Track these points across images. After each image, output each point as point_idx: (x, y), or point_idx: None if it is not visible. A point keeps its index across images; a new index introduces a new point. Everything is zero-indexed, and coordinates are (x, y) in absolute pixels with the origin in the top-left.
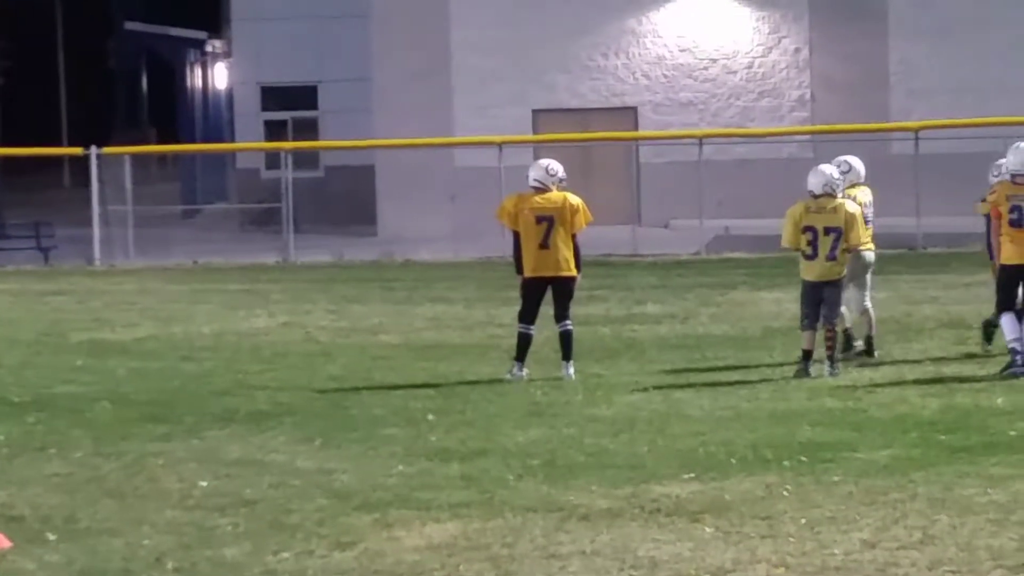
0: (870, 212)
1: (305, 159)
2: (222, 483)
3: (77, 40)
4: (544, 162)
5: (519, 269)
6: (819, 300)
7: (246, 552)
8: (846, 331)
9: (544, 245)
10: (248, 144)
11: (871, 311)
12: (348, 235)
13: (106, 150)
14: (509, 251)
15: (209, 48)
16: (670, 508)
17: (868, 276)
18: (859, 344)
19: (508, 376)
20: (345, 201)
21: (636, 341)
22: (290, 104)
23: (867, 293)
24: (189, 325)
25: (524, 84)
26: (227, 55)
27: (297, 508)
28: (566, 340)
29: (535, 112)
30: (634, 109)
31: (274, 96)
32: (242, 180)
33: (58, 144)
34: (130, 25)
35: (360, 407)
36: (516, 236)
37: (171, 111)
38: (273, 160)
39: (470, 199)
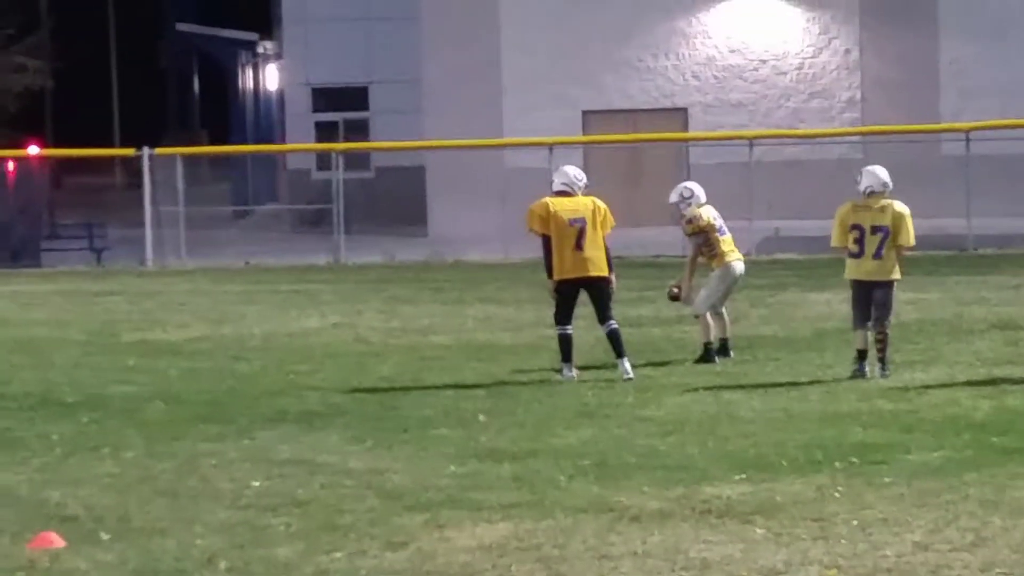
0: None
1: (356, 160)
2: (274, 483)
3: (129, 42)
4: (570, 168)
5: (550, 273)
6: (868, 300)
7: (298, 552)
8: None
9: (578, 247)
10: (299, 145)
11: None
12: (398, 236)
13: (158, 151)
14: None
15: (260, 49)
16: (721, 509)
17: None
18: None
19: (560, 377)
20: (395, 202)
21: (687, 342)
22: (341, 105)
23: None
24: (240, 326)
25: (573, 85)
26: (278, 56)
27: (349, 508)
28: (616, 338)
29: (585, 113)
30: (684, 110)
31: (325, 97)
32: (293, 181)
33: (110, 145)
34: (182, 27)
35: (411, 408)
36: (546, 241)
37: (222, 112)
38: (324, 161)
39: (519, 200)
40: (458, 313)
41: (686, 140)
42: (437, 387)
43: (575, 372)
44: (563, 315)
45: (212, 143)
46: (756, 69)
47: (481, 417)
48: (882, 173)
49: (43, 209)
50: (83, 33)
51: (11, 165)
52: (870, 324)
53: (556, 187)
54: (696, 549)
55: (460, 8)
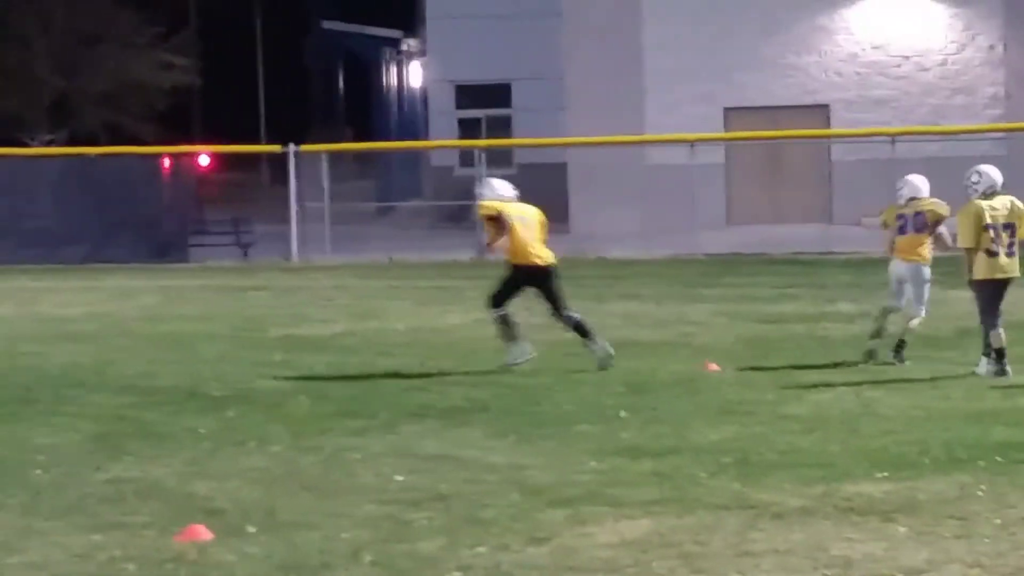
0: None
1: (498, 157)
2: (417, 478)
3: (274, 39)
4: (497, 181)
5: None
6: (1001, 298)
7: (441, 546)
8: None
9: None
10: (442, 142)
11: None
12: None
13: (303, 148)
14: (701, 248)
15: (404, 47)
16: (863, 507)
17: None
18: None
19: (509, 361)
20: (537, 198)
21: (828, 339)
22: (484, 102)
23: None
24: (384, 321)
25: (715, 82)
26: (422, 54)
27: (491, 503)
28: (580, 328)
29: (726, 110)
30: (826, 107)
31: (468, 94)
32: (436, 177)
33: (256, 142)
34: (327, 24)
35: (552, 403)
36: (502, 224)
37: (366, 109)
38: (467, 158)
39: (661, 196)
40: (599, 309)
41: (828, 137)
42: (578, 383)
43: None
44: (504, 296)
45: (356, 140)
46: (899, 66)
47: (622, 413)
48: (996, 172)
49: (192, 205)
50: (230, 31)
51: (167, 162)
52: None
53: (507, 196)
54: (838, 547)
55: (602, 5)
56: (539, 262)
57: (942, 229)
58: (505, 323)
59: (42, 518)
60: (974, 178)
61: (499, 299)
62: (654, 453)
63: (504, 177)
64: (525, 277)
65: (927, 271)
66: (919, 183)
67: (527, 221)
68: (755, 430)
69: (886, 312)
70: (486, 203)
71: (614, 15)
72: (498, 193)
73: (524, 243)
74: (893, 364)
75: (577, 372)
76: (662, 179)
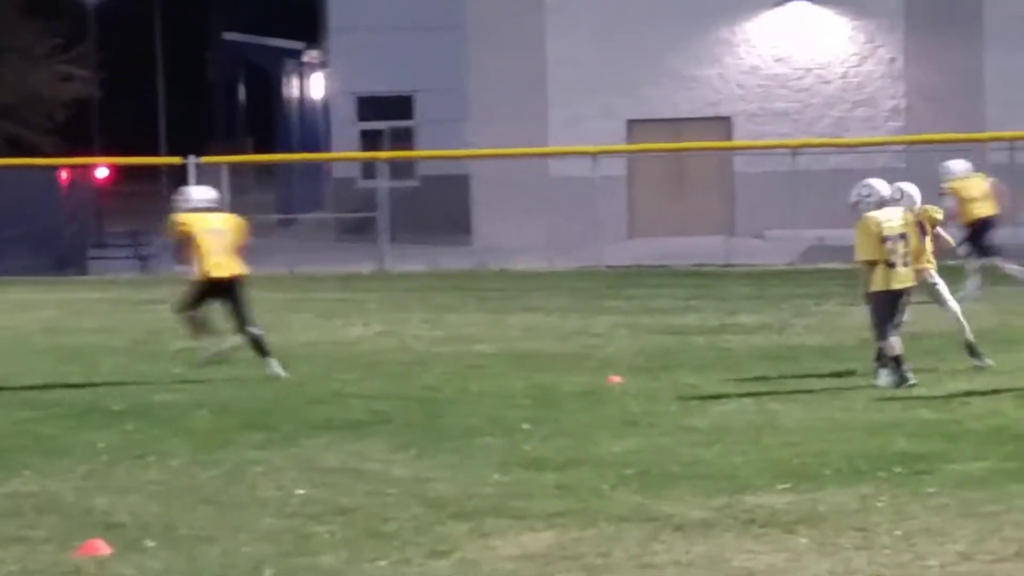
0: None
1: (401, 169)
2: (319, 491)
3: (175, 50)
4: (196, 189)
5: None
6: (899, 308)
7: (343, 560)
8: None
9: (223, 252)
10: (344, 154)
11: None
12: (443, 244)
13: (204, 160)
14: (604, 260)
15: (306, 58)
16: (765, 519)
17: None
18: None
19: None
20: (440, 211)
21: (730, 351)
22: (386, 114)
23: None
24: (286, 334)
25: (618, 95)
26: (324, 65)
27: (393, 516)
28: (259, 343)
29: (629, 122)
30: (728, 119)
31: (370, 106)
32: (338, 189)
33: (156, 154)
34: (228, 35)
35: (455, 416)
36: (188, 243)
37: (268, 121)
38: (369, 170)
39: (564, 209)
40: (503, 322)
41: (730, 149)
42: (481, 395)
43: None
44: (194, 303)
45: (257, 152)
46: (800, 78)
47: (525, 426)
48: (885, 184)
49: (91, 217)
50: (130, 42)
51: (64, 175)
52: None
53: (202, 205)
54: (740, 559)
55: (505, 18)
56: (224, 274)
57: (939, 231)
58: (194, 322)
59: None
60: (864, 191)
61: (186, 307)
62: (557, 465)
63: (406, 189)
64: (211, 289)
65: (935, 274)
66: (914, 192)
67: (217, 231)
68: (658, 442)
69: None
70: (174, 221)
71: (517, 28)
72: (193, 202)
73: (209, 256)
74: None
75: (480, 385)
76: (565, 191)
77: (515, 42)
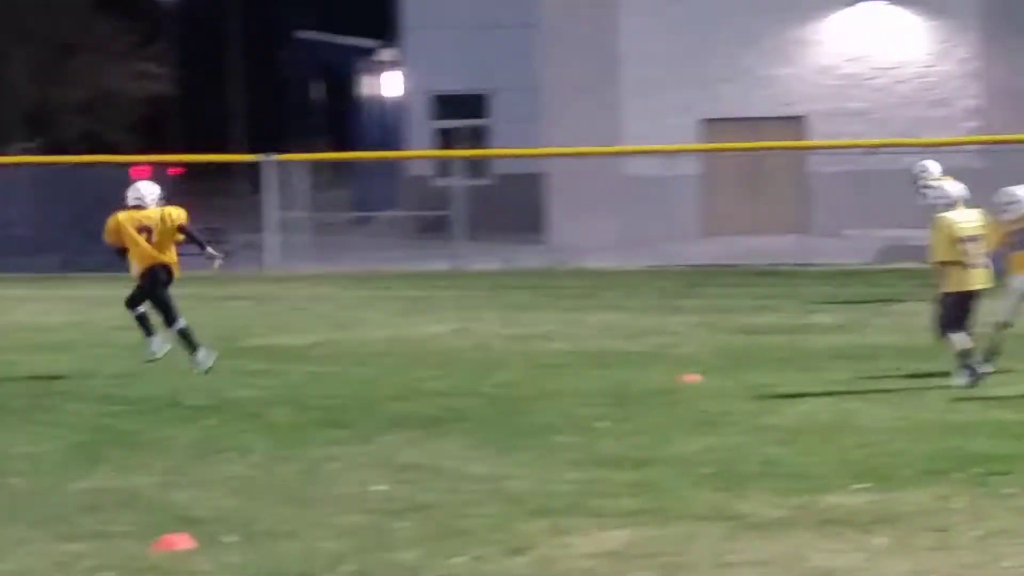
0: None
1: (475, 167)
2: (397, 487)
3: (251, 49)
4: (137, 186)
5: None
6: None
7: (421, 556)
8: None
9: (149, 243)
10: (420, 152)
11: None
12: (517, 243)
13: (280, 157)
14: (679, 259)
15: (381, 57)
16: (842, 518)
17: None
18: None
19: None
20: (515, 209)
21: (806, 351)
22: (461, 112)
23: None
24: (362, 331)
25: (693, 93)
26: (399, 64)
27: (471, 513)
28: (185, 335)
29: (704, 121)
30: (803, 118)
31: (445, 104)
32: (413, 188)
33: (232, 152)
34: (303, 34)
35: (531, 414)
36: (121, 251)
37: (343, 119)
38: (444, 168)
39: (638, 207)
40: (577, 320)
41: (804, 148)
42: (557, 394)
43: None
44: (138, 300)
45: (333, 150)
46: (875, 78)
47: (601, 424)
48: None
49: None
50: (206, 41)
51: (139, 171)
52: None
53: (130, 202)
54: (817, 558)
55: (580, 16)
56: (167, 260)
57: None
58: (142, 321)
59: (20, 526)
60: (937, 191)
61: (134, 302)
62: (633, 464)
63: (480, 187)
64: (157, 278)
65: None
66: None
67: (147, 228)
68: (734, 441)
69: (1002, 328)
70: (107, 228)
71: (592, 26)
72: (146, 198)
73: (145, 246)
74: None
75: (556, 383)
76: (639, 190)
77: (590, 40)
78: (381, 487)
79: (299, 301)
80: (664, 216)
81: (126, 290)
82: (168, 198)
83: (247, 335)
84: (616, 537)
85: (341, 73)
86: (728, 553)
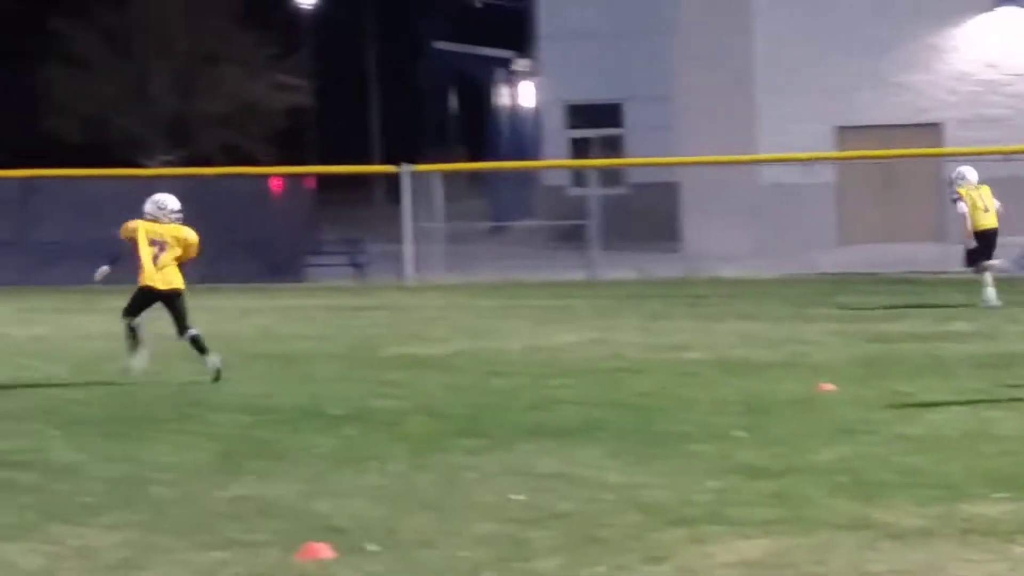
0: None
1: (610, 176)
2: (535, 496)
3: (387, 60)
4: (156, 197)
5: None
6: None
7: (560, 565)
8: None
9: (155, 262)
10: (555, 162)
11: None
12: (653, 251)
13: (417, 168)
14: (814, 267)
15: (516, 67)
16: (983, 528)
17: None
18: None
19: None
20: (650, 218)
21: (944, 359)
22: (596, 122)
23: None
24: (498, 340)
25: (827, 101)
26: (534, 73)
27: (609, 522)
28: (197, 343)
29: (838, 129)
30: (939, 125)
31: (580, 114)
32: (548, 197)
33: (369, 162)
34: (439, 45)
35: (668, 423)
36: (122, 253)
37: (478, 129)
38: (579, 177)
39: (774, 215)
40: (713, 329)
41: (941, 156)
42: (693, 403)
43: (137, 362)
44: (133, 310)
45: (469, 160)
46: (1012, 84)
47: (738, 433)
48: None
49: (306, 225)
50: (344, 52)
51: (275, 183)
52: None
53: (145, 215)
54: (958, 568)
55: (714, 25)
56: (159, 286)
57: None
58: (132, 333)
59: (165, 535)
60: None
61: (130, 311)
62: (771, 473)
63: (616, 196)
64: (149, 296)
65: None
66: None
67: (160, 243)
68: (871, 450)
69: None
70: (126, 225)
71: (726, 34)
72: (168, 209)
73: (148, 264)
74: None
75: (692, 392)
76: (774, 198)
77: (724, 49)
78: (519, 496)
79: (435, 311)
80: (799, 224)
81: (267, 301)
82: (308, 209)
83: (385, 345)
84: (755, 546)
85: (477, 83)
86: (868, 563)
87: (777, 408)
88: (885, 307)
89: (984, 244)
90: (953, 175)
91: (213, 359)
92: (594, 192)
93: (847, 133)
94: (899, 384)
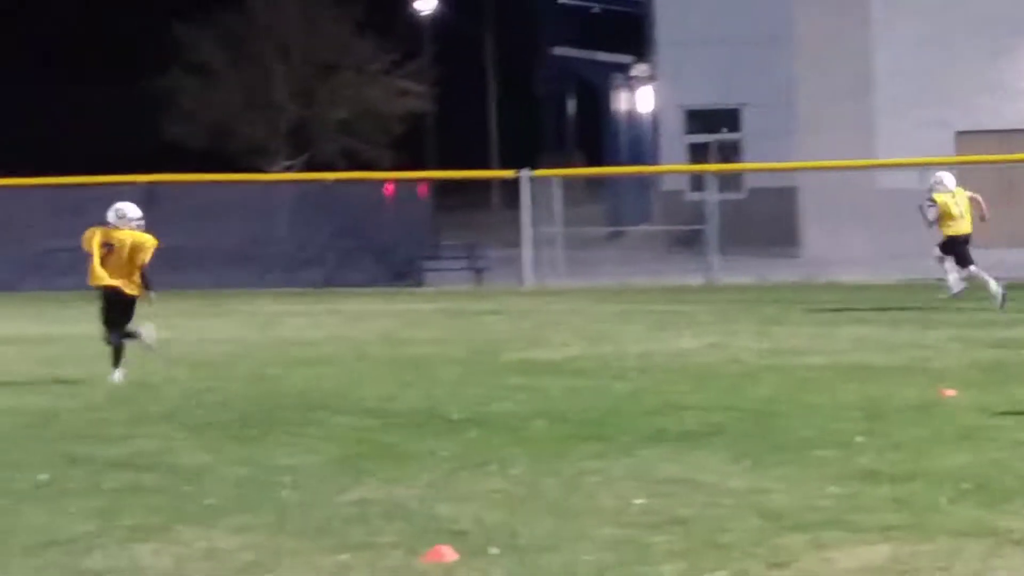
0: None
1: (728, 181)
2: (656, 501)
3: (506, 65)
4: (117, 205)
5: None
6: None
7: (682, 570)
8: None
9: (103, 263)
10: (673, 167)
11: None
12: (771, 256)
13: (536, 173)
14: (933, 273)
15: (634, 72)
16: None
17: None
18: None
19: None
20: (768, 223)
21: None
22: (714, 127)
23: None
24: (618, 345)
25: (946, 106)
26: (652, 79)
27: (731, 527)
28: (119, 352)
29: (957, 134)
30: None
31: (698, 119)
32: (666, 202)
33: (487, 167)
34: (557, 50)
35: (788, 428)
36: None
37: (596, 134)
38: (697, 182)
39: (892, 221)
40: (832, 334)
41: None
42: (813, 408)
43: (119, 375)
44: (111, 321)
45: (587, 165)
46: None
47: (859, 438)
48: None
49: (425, 230)
50: (463, 58)
51: (390, 188)
52: None
53: (109, 220)
54: None
55: (833, 31)
56: (108, 283)
57: None
58: (117, 349)
59: (291, 538)
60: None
61: (108, 325)
62: (892, 479)
63: (733, 201)
64: (110, 298)
65: None
66: None
67: (111, 245)
68: (994, 456)
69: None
70: (84, 236)
71: (844, 40)
72: (127, 218)
73: (97, 265)
74: None
75: (811, 398)
76: (893, 203)
77: (842, 54)
78: (640, 500)
79: (554, 315)
80: (917, 229)
81: (387, 305)
82: (427, 214)
83: (505, 349)
84: (878, 552)
85: (595, 88)
86: (992, 570)
87: (897, 413)
88: (1006, 312)
89: (957, 248)
90: (932, 180)
91: (118, 373)
92: (712, 197)
93: (966, 138)
94: (1021, 390)
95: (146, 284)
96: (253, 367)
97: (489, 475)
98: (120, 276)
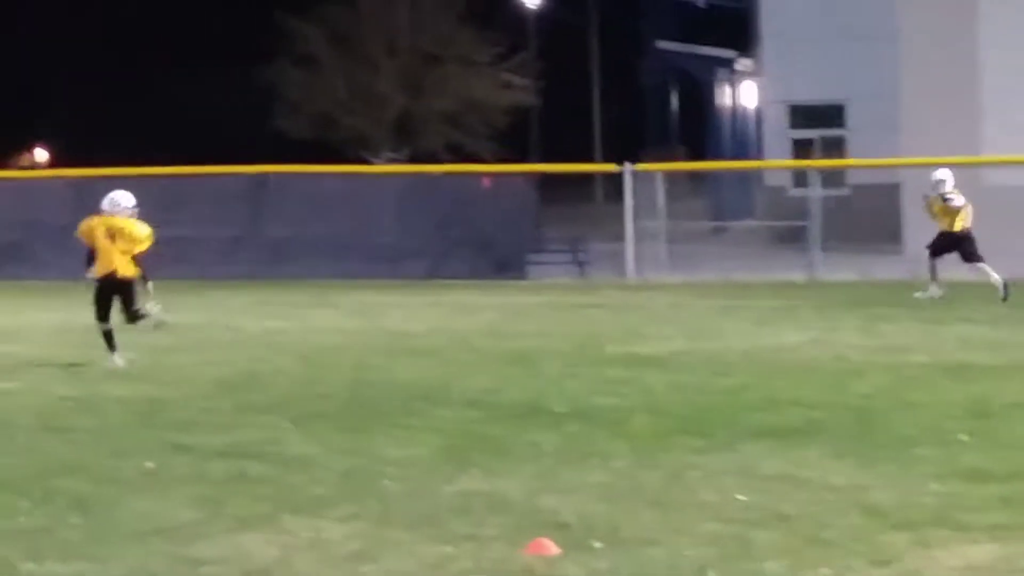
0: None
1: (832, 177)
2: (758, 497)
3: (609, 59)
4: (112, 195)
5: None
6: None
7: (785, 567)
8: None
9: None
10: (776, 162)
11: None
12: (874, 253)
13: (639, 167)
14: None
15: (738, 67)
16: None
17: None
18: None
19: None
20: (871, 219)
21: None
22: (818, 122)
23: None
24: (720, 340)
25: None
26: (756, 73)
27: (833, 524)
28: (108, 338)
29: None
30: None
31: (802, 114)
32: (769, 197)
33: (590, 161)
34: (661, 44)
35: (890, 426)
36: (91, 253)
37: (699, 129)
38: (800, 178)
39: (997, 218)
40: (936, 332)
41: None
42: (917, 406)
43: (119, 359)
44: (103, 311)
45: (690, 159)
46: None
47: (963, 437)
48: None
49: (528, 223)
50: (567, 52)
51: (487, 181)
52: None
53: (104, 209)
54: None
55: (939, 26)
56: (119, 271)
57: None
58: (108, 336)
59: (395, 528)
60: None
61: (99, 314)
62: (998, 477)
63: (837, 197)
64: (108, 287)
65: None
66: None
67: (110, 235)
68: None
69: None
70: (81, 227)
71: (951, 36)
72: (122, 206)
73: (106, 253)
74: None
75: (916, 395)
76: (999, 200)
77: (948, 50)
78: (742, 496)
79: (657, 310)
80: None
81: (491, 298)
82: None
83: (607, 343)
84: (984, 551)
85: (699, 83)
86: None
87: (1002, 412)
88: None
89: (945, 245)
90: (934, 180)
91: (117, 358)
92: (815, 193)
93: None
94: None
95: (143, 274)
96: (358, 358)
97: (591, 468)
98: (115, 261)
